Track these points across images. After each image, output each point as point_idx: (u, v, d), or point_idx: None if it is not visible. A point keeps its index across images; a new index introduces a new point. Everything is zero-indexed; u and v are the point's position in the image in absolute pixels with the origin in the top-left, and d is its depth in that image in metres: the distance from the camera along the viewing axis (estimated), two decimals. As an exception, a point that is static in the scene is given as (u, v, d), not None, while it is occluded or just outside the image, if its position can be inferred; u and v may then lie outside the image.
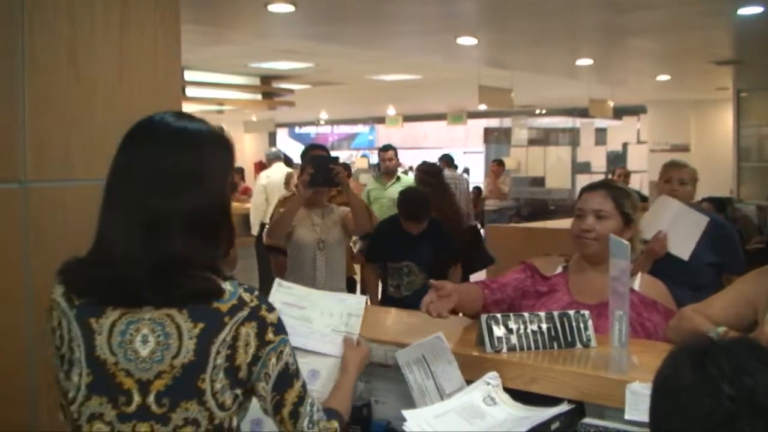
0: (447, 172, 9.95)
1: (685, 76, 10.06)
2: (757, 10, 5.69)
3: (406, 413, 1.76)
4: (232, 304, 1.40)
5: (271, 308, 1.46)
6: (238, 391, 1.43)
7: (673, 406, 1.14)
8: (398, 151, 7.07)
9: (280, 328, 1.46)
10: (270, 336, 1.43)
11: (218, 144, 1.50)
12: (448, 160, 10.90)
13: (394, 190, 6.55)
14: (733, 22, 6.33)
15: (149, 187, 1.40)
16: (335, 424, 1.55)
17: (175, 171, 1.42)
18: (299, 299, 1.95)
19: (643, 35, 7.03)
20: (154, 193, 1.40)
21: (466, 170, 17.91)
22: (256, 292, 1.45)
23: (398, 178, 6.89)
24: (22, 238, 2.04)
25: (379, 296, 4.80)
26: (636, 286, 2.30)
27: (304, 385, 1.51)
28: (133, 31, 2.26)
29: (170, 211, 1.39)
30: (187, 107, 8.04)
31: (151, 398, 1.38)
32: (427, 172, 6.37)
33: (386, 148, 7.07)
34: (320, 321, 1.93)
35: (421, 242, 4.61)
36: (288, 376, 1.47)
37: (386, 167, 6.99)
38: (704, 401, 1.10)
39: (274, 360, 1.44)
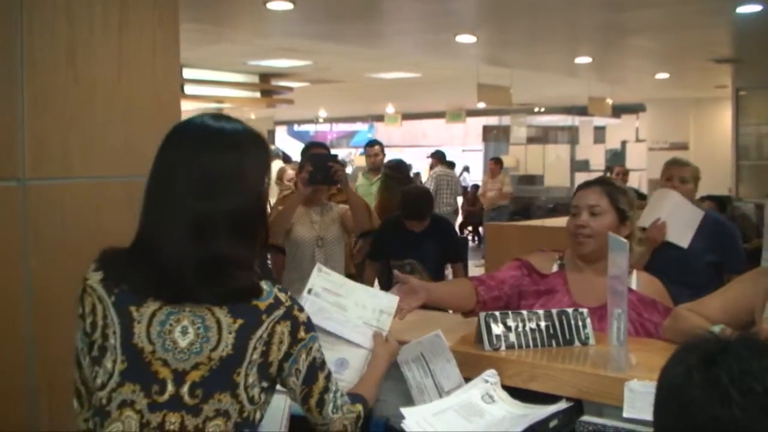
0: (439, 169, 9.98)
1: (684, 75, 10.06)
2: (756, 8, 5.70)
3: (404, 411, 1.76)
4: (269, 302, 1.45)
5: (301, 308, 1.52)
6: (265, 385, 1.47)
7: (678, 406, 1.14)
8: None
9: (309, 326, 1.52)
10: (302, 334, 1.49)
11: (255, 144, 1.53)
12: (440, 157, 10.89)
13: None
14: (732, 20, 6.33)
15: (190, 188, 1.43)
16: (359, 407, 1.62)
17: (214, 172, 1.44)
18: (336, 286, 1.97)
19: (642, 33, 7.03)
20: (195, 194, 1.43)
21: (467, 168, 17.89)
22: (289, 293, 1.50)
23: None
24: (20, 236, 2.04)
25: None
26: (633, 284, 2.28)
27: (328, 375, 1.57)
28: (132, 31, 2.26)
29: (212, 212, 1.42)
30: (186, 105, 8.03)
31: (185, 389, 1.40)
32: (394, 168, 6.38)
33: (372, 144, 7.04)
34: (354, 311, 1.94)
35: (424, 240, 4.60)
36: (315, 369, 1.53)
37: (372, 163, 6.95)
38: (711, 403, 1.09)
39: (304, 356, 1.50)
